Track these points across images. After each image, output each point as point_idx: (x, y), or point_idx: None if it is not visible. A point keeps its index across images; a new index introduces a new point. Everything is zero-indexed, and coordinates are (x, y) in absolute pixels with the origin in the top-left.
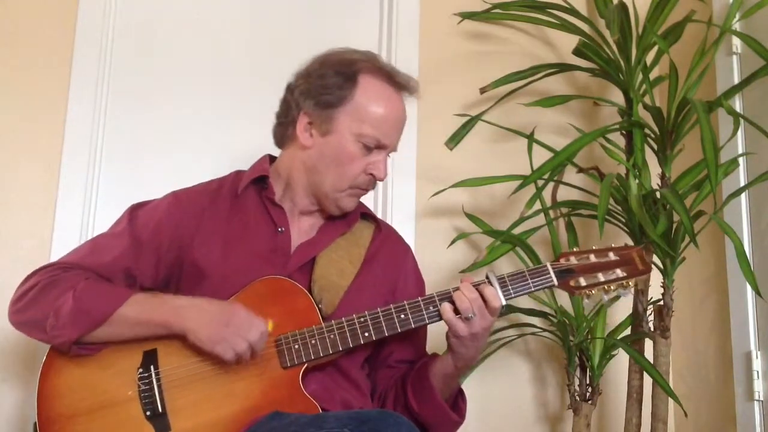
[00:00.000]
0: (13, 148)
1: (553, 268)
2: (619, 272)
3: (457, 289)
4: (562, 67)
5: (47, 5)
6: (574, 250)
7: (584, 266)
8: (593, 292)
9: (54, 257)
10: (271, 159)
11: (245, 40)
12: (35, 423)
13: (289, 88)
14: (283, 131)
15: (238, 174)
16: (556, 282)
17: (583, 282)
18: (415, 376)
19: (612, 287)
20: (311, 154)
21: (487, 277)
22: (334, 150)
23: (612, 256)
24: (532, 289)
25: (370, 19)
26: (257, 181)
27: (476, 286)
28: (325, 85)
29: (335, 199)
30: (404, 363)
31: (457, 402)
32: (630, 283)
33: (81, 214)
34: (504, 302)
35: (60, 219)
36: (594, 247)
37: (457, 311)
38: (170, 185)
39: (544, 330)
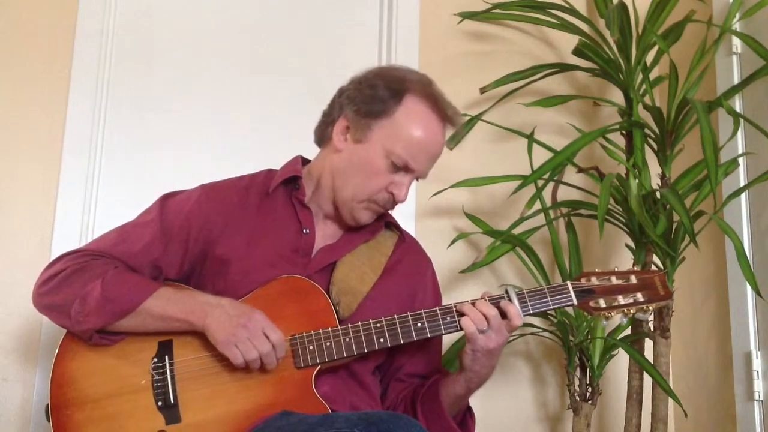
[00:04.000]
0: (13, 148)
1: (573, 288)
2: (640, 296)
3: (475, 301)
4: (562, 67)
5: (47, 5)
6: (596, 270)
7: (605, 288)
8: (612, 314)
9: (54, 257)
10: (303, 161)
11: (244, 40)
12: (47, 406)
13: (340, 91)
14: (323, 130)
15: (269, 172)
16: (575, 302)
17: (602, 304)
18: (425, 395)
19: (632, 311)
20: (341, 157)
21: (507, 292)
22: (362, 159)
23: (633, 279)
24: (551, 307)
25: (370, 20)
26: (288, 181)
27: (496, 302)
28: (371, 95)
29: (351, 209)
30: (415, 377)
31: (465, 420)
32: (650, 307)
33: (81, 214)
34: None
35: (60, 219)
36: (616, 269)
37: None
38: (170, 185)
39: (544, 330)
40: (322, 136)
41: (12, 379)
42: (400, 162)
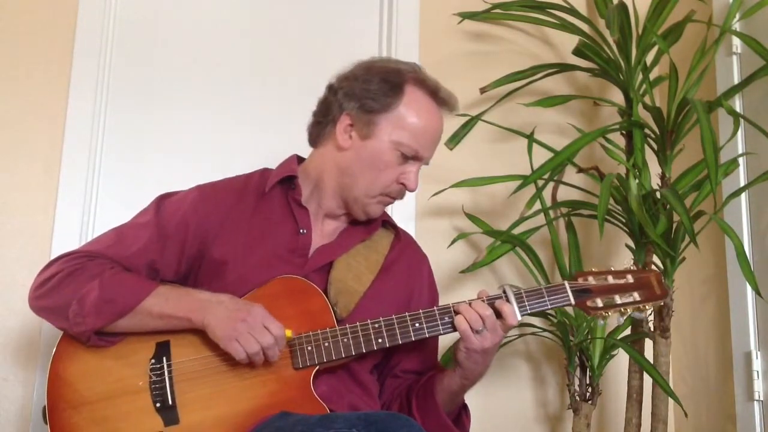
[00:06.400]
0: (13, 148)
1: (570, 288)
2: (636, 295)
3: (472, 301)
4: (562, 67)
5: (47, 5)
6: (593, 270)
7: (601, 287)
8: (609, 313)
9: (54, 257)
10: (299, 159)
11: (245, 39)
12: (44, 408)
13: (332, 89)
14: (320, 130)
15: (264, 172)
16: (573, 301)
17: (599, 303)
18: (420, 390)
19: (628, 310)
20: (347, 156)
21: (504, 292)
22: (371, 155)
23: (630, 278)
24: (549, 307)
25: (370, 19)
26: (284, 181)
27: (492, 301)
28: (371, 90)
29: (364, 205)
30: (411, 373)
31: (461, 417)
32: (646, 306)
33: (81, 214)
34: (519, 318)
35: (60, 219)
36: (612, 268)
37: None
38: (170, 185)
39: (544, 330)
40: (319, 136)
41: (12, 379)
42: (410, 152)
